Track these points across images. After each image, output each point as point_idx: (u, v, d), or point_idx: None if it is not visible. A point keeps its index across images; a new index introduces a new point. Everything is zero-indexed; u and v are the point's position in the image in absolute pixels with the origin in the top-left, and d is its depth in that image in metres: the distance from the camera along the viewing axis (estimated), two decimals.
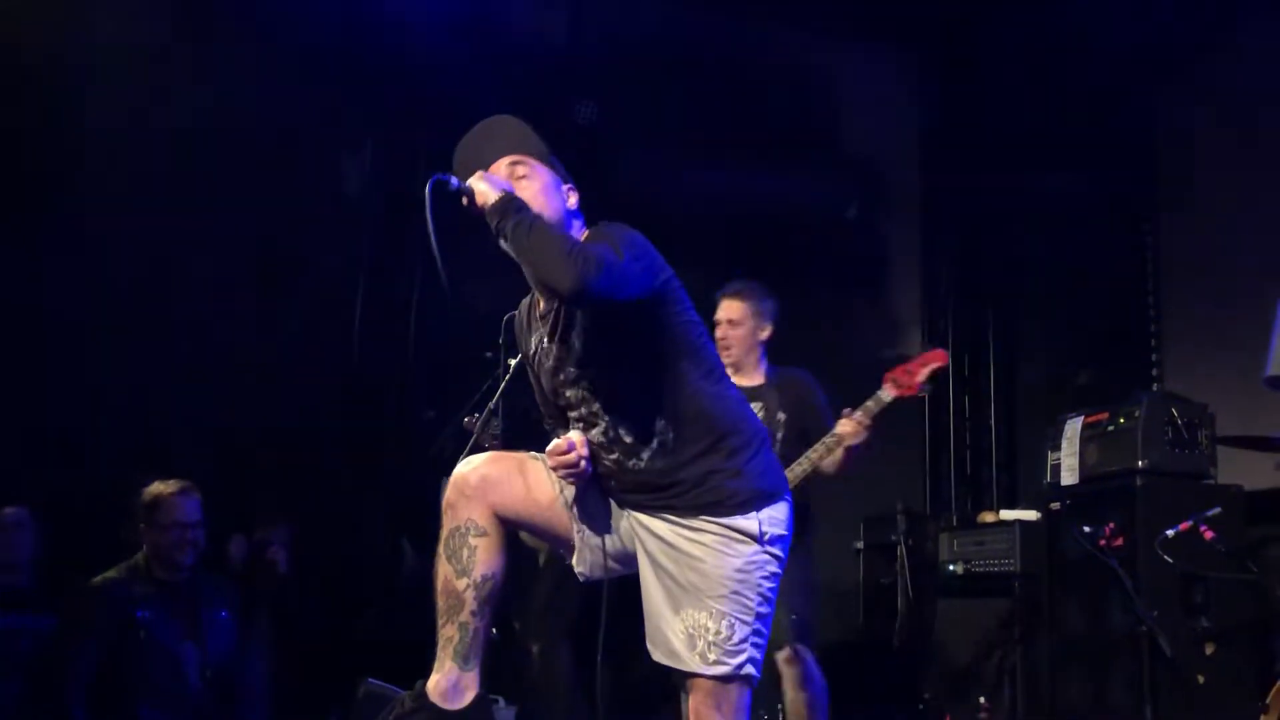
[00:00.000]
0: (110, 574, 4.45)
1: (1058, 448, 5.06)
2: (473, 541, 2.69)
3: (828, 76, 7.40)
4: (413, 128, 6.41)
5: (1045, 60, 6.84)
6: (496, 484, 2.74)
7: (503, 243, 2.60)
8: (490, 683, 2.84)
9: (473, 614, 2.69)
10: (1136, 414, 4.72)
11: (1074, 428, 5.00)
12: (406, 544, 6.13)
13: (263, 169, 6.13)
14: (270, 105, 6.10)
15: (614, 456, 2.76)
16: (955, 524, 6.10)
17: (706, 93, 7.01)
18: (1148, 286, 6.55)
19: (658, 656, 2.72)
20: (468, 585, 2.68)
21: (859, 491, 6.19)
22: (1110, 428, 4.83)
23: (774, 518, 2.72)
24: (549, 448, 2.74)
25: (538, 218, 2.60)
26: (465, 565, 2.69)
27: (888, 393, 4.22)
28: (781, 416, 4.29)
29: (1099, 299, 6.89)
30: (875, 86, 7.62)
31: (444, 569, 2.71)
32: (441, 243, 2.59)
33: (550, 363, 2.80)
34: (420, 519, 6.21)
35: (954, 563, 5.73)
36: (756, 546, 2.68)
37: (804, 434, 4.27)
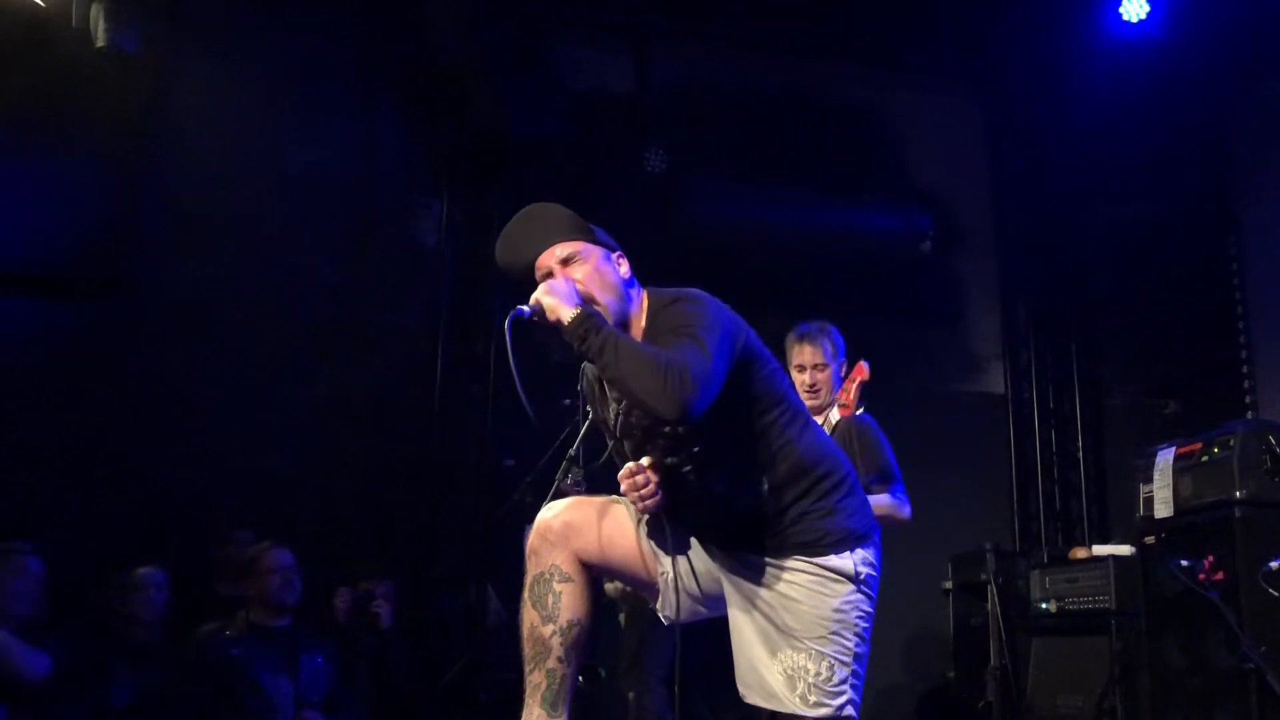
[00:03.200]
0: (209, 626, 4.76)
1: (1149, 480, 4.92)
2: (557, 587, 2.68)
3: (897, 112, 7.38)
4: (485, 179, 6.54)
5: (1118, 85, 6.75)
6: (579, 530, 2.73)
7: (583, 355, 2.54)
8: None
9: (560, 660, 2.67)
10: (1231, 443, 4.57)
11: (1166, 459, 4.86)
12: (492, 593, 6.14)
13: (342, 223, 6.31)
14: (348, 159, 6.28)
15: (705, 507, 2.74)
16: (1046, 561, 5.95)
17: (777, 133, 7.02)
18: (1236, 312, 6.39)
19: (752, 698, 2.69)
20: (554, 632, 2.66)
21: (946, 530, 6.09)
22: (1204, 458, 4.69)
23: (866, 558, 2.70)
24: (621, 472, 2.71)
25: (619, 336, 2.51)
26: (551, 612, 2.67)
27: (835, 414, 4.15)
28: None
29: (1183, 326, 6.72)
30: (946, 120, 7.59)
31: (529, 615, 2.69)
32: (523, 374, 2.52)
33: (633, 430, 2.76)
34: (503, 568, 6.28)
35: (1046, 600, 5.60)
36: (851, 586, 2.66)
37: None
